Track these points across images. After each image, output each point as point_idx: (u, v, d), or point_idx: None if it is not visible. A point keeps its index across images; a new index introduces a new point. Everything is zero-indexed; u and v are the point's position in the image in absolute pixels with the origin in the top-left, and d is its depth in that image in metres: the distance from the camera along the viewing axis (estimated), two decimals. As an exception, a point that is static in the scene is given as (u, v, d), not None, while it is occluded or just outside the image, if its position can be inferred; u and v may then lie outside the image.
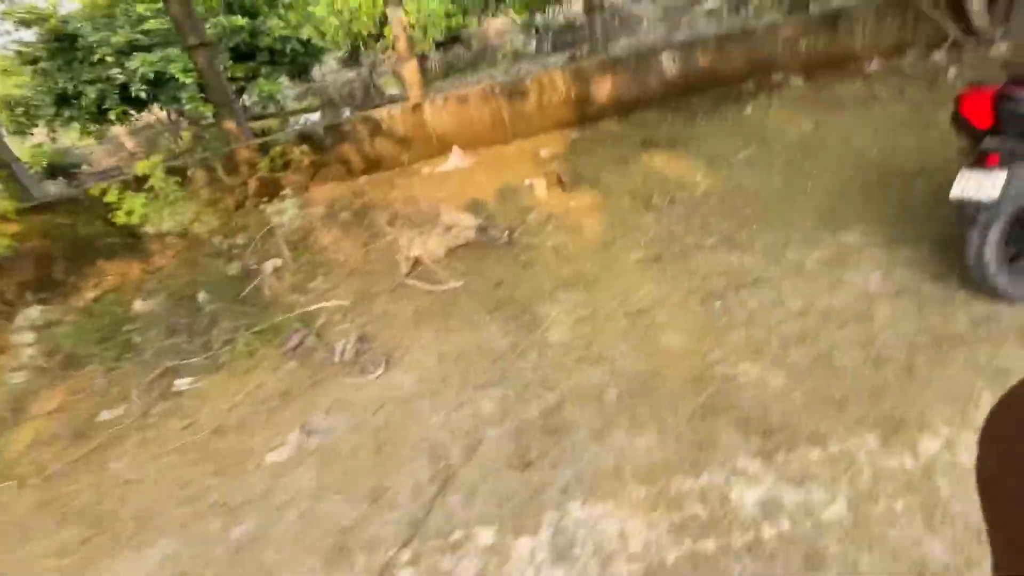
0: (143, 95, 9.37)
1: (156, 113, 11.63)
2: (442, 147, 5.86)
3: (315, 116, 14.42)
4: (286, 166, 5.25)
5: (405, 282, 3.59)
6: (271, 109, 13.78)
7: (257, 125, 12.97)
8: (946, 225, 2.94)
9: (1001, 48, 4.86)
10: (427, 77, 14.68)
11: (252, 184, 5.51)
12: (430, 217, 4.33)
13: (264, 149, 5.39)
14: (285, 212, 4.57)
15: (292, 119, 13.54)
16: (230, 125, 7.06)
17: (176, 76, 9.59)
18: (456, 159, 5.59)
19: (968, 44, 5.07)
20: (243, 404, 2.91)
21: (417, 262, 3.77)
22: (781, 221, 3.35)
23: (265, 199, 5.51)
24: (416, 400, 2.64)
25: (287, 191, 5.34)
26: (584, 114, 5.76)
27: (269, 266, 4.13)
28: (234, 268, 4.10)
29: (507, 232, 3.90)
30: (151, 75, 9.23)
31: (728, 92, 5.47)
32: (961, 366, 2.13)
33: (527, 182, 4.69)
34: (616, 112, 5.75)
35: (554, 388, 2.51)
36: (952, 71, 4.66)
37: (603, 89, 5.66)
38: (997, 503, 0.38)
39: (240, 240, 4.56)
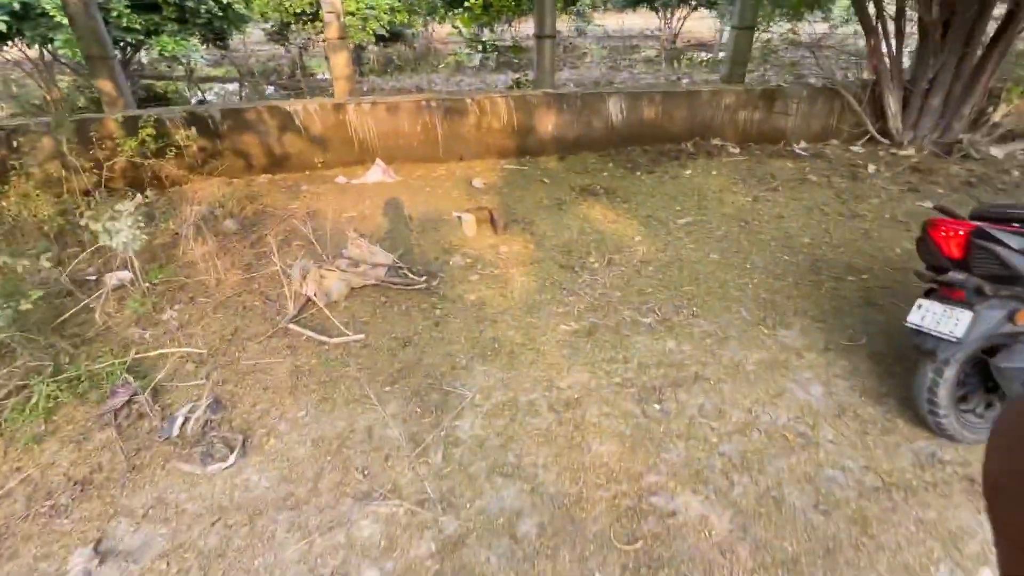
0: (2, 27, 7.58)
1: (27, 52, 9.55)
2: (364, 155, 5.12)
3: (232, 86, 12.85)
4: (163, 151, 4.22)
5: (288, 327, 2.84)
6: (179, 72, 12.04)
7: (160, 85, 11.19)
8: (877, 335, 2.80)
9: (909, 152, 5.13)
10: (364, 69, 13.66)
11: (117, 167, 4.40)
12: (335, 243, 3.60)
13: (135, 124, 4.31)
14: (146, 209, 3.59)
15: (203, 86, 11.86)
16: (105, 85, 5.79)
17: (49, 12, 7.90)
18: (378, 172, 4.87)
19: (883, 143, 5.32)
20: (14, 496, 2.01)
21: (309, 302, 3.03)
22: (720, 306, 3.07)
23: (131, 188, 4.44)
24: (272, 512, 1.94)
25: (157, 182, 4.32)
26: (524, 146, 5.31)
27: (111, 281, 3.15)
28: (59, 279, 3.07)
29: (425, 276, 3.28)
30: (15, 5, 7.51)
31: (669, 150, 5.30)
32: (913, 524, 1.87)
33: (455, 214, 4.11)
34: (557, 149, 5.36)
35: (458, 510, 1.94)
36: (871, 167, 4.81)
37: (546, 123, 5.25)
38: (1004, 509, 0.38)
39: (79, 240, 3.49)
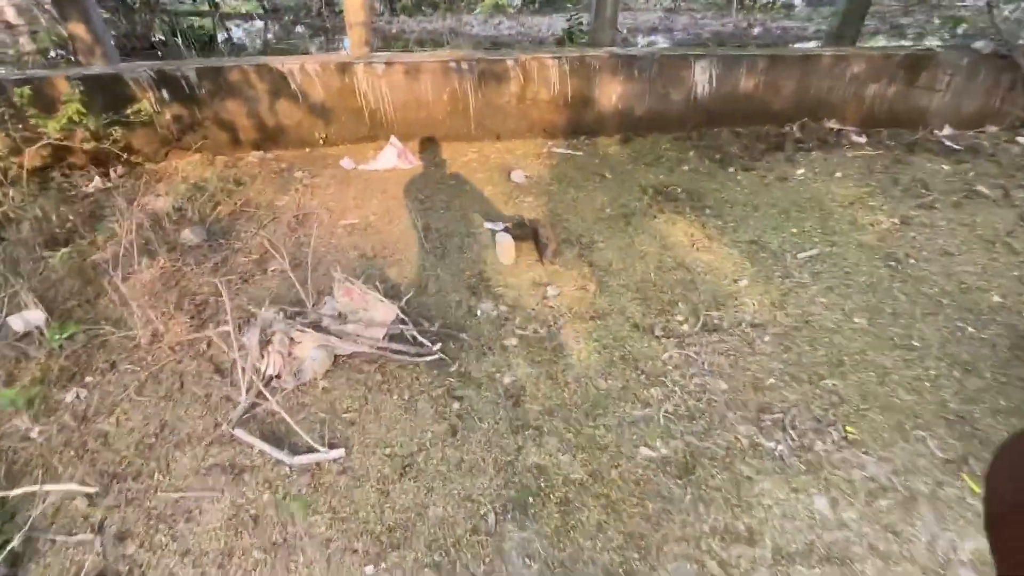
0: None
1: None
2: (376, 130, 3.91)
3: (258, 23, 11.51)
4: (108, 129, 3.11)
5: (234, 433, 1.83)
6: (188, 6, 10.76)
7: (190, 21, 10.01)
8: None
9: (1109, 149, 3.58)
10: (396, 6, 11.94)
11: (77, 140, 3.35)
12: (324, 271, 2.52)
13: (97, 85, 3.19)
14: (92, 203, 2.57)
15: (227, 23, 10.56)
16: (77, 28, 4.62)
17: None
18: (392, 155, 3.68)
19: (1067, 133, 3.76)
20: None
21: (271, 383, 2.00)
22: (888, 424, 1.90)
23: (93, 166, 3.43)
24: None
25: (123, 160, 3.28)
26: (578, 123, 3.98)
27: (16, 325, 2.19)
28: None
29: (439, 340, 2.19)
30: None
31: (768, 134, 3.88)
32: None
33: (488, 226, 2.95)
34: (620, 128, 4.02)
35: None
36: (1063, 174, 3.33)
37: (609, 94, 3.88)
38: (1005, 537, 0.37)
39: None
